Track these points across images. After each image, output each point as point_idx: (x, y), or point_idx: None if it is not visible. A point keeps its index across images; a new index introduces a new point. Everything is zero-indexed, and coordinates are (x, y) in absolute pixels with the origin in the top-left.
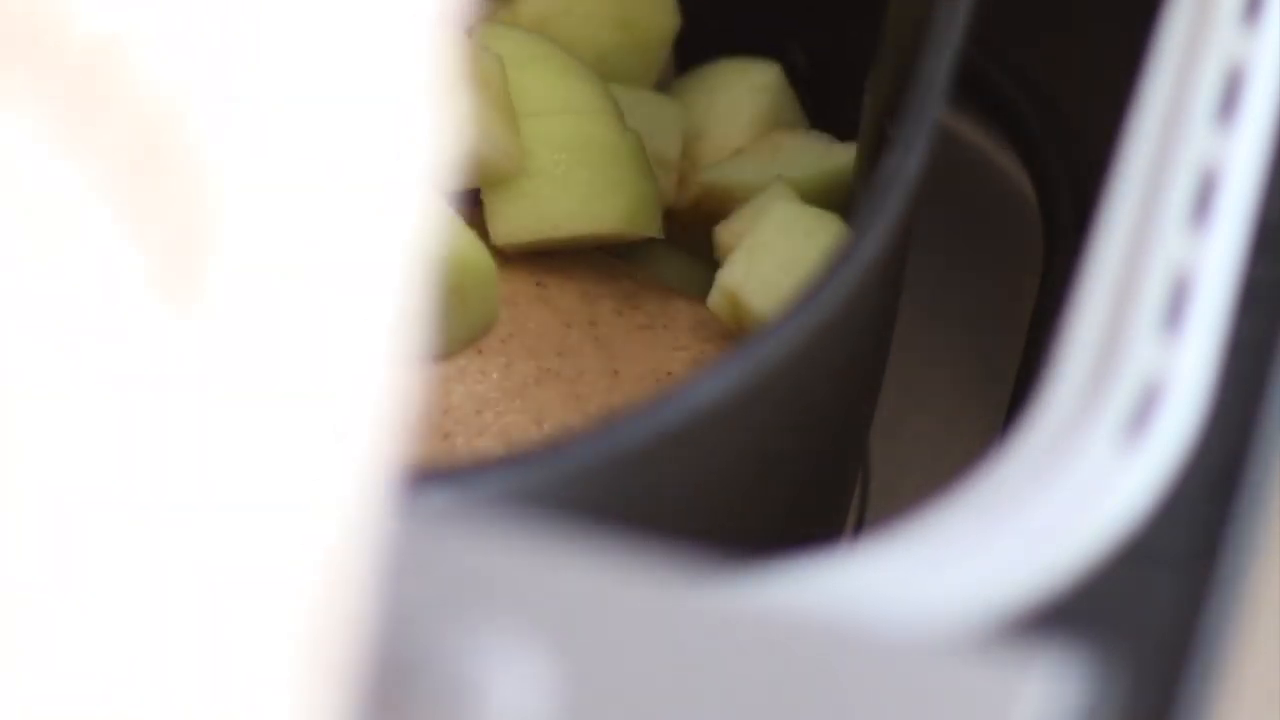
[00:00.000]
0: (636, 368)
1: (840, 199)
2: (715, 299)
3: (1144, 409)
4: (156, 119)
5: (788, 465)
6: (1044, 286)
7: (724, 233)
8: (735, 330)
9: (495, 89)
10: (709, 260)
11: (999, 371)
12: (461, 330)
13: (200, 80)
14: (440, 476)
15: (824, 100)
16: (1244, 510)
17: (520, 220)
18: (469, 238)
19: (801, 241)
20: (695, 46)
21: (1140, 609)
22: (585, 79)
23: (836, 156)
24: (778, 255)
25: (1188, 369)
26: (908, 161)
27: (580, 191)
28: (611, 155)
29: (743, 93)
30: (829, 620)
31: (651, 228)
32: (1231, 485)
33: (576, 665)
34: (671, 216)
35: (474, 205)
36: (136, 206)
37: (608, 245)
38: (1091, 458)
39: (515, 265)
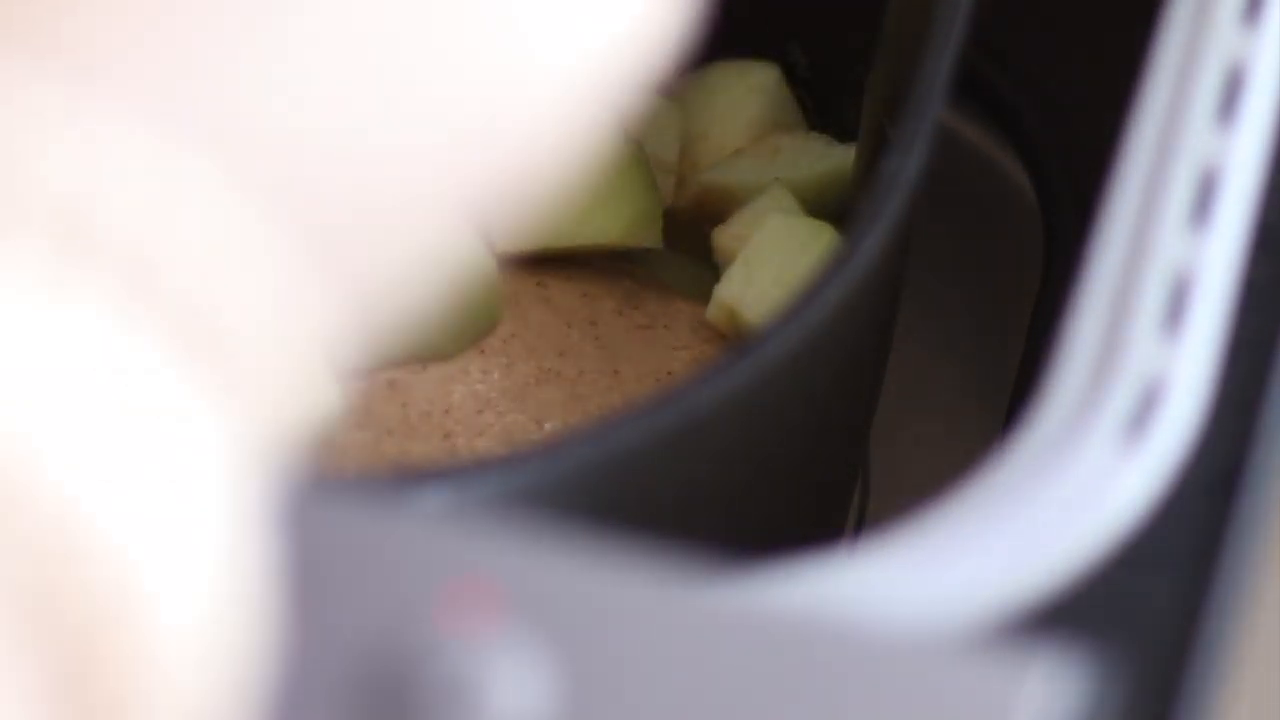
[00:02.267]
0: (637, 368)
1: (839, 200)
2: (713, 312)
3: (1144, 409)
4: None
5: (788, 465)
6: (1044, 286)
7: (722, 236)
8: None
9: None
10: (708, 262)
11: (999, 371)
12: (464, 331)
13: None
14: (440, 476)
15: (824, 100)
16: (1244, 510)
17: (523, 230)
18: (470, 239)
19: (797, 253)
20: (695, 48)
21: (1140, 609)
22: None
23: (836, 157)
24: (774, 268)
25: (1188, 369)
26: (907, 162)
27: (583, 203)
28: (614, 166)
29: (742, 94)
30: (829, 620)
31: (652, 239)
32: (1231, 485)
33: (576, 665)
34: (671, 217)
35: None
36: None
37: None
38: (1091, 458)
39: (516, 266)
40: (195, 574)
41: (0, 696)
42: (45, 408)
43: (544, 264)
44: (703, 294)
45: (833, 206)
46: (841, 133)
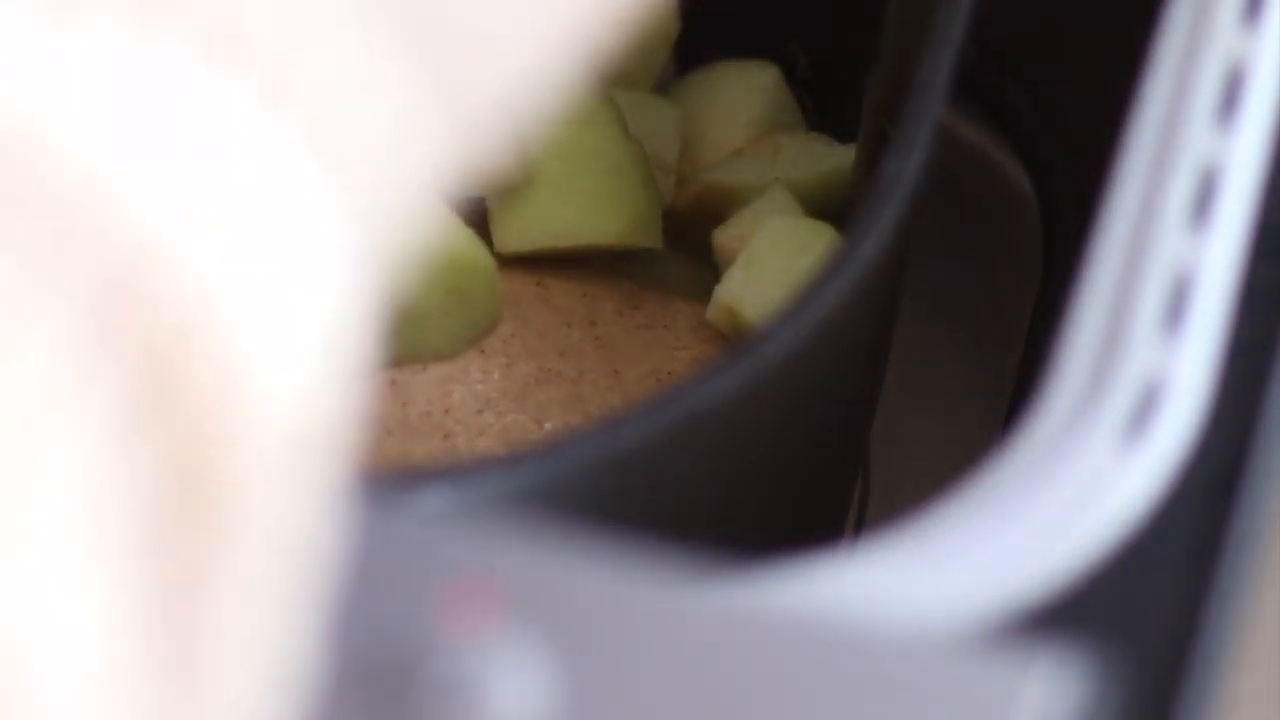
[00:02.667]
0: (637, 368)
1: (839, 200)
2: (714, 312)
3: (1144, 409)
4: (135, 252)
5: (788, 465)
6: (1044, 286)
7: (722, 236)
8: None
9: None
10: (709, 262)
11: (999, 371)
12: (464, 330)
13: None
14: (440, 476)
15: (824, 100)
16: (1244, 510)
17: (523, 229)
18: (470, 238)
19: (797, 253)
20: (695, 48)
21: (1140, 609)
22: (590, 89)
23: (836, 157)
24: (774, 269)
25: (1188, 369)
26: (907, 162)
27: (583, 203)
28: (614, 167)
29: (742, 94)
30: (830, 620)
31: (652, 239)
32: (1231, 485)
33: (576, 665)
34: (671, 217)
35: (479, 212)
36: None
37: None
38: (1091, 458)
39: (516, 266)
40: (284, 308)
41: (81, 412)
42: (149, 148)
43: (544, 264)
44: (703, 294)
45: (833, 206)
46: (841, 133)
